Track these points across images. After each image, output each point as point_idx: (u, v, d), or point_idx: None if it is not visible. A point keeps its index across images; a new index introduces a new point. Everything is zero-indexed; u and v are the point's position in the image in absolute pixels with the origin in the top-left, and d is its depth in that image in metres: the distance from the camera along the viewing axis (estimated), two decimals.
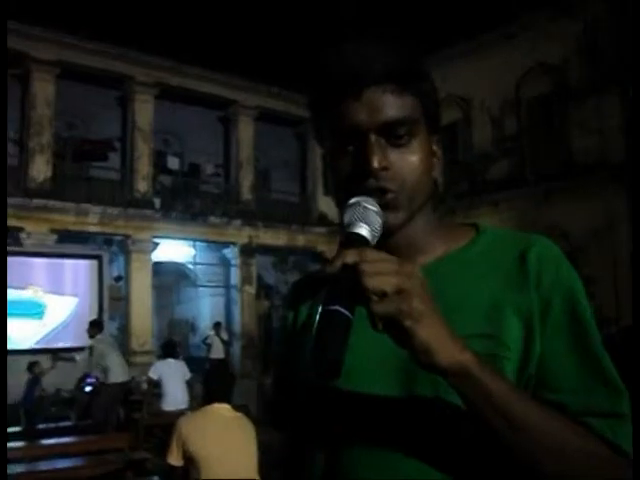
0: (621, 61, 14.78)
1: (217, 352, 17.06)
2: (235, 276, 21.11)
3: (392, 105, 1.05)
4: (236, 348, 20.08)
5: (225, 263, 21.59)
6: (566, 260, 1.09)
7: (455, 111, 18.89)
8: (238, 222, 20.49)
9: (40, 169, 17.64)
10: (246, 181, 21.57)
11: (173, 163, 20.65)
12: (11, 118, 17.82)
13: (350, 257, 0.88)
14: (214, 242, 20.75)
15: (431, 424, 1.03)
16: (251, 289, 20.93)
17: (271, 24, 16.60)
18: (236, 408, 7.03)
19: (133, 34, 16.72)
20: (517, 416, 0.93)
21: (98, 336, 11.04)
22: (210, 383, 4.73)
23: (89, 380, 11.79)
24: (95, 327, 11.19)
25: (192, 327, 20.19)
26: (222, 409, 4.61)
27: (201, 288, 21.44)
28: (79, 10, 15.64)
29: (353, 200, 1.01)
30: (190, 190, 20.48)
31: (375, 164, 1.03)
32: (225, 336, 18.18)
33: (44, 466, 6.16)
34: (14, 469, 5.98)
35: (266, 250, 21.15)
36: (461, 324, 1.00)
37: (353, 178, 1.06)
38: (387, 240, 1.06)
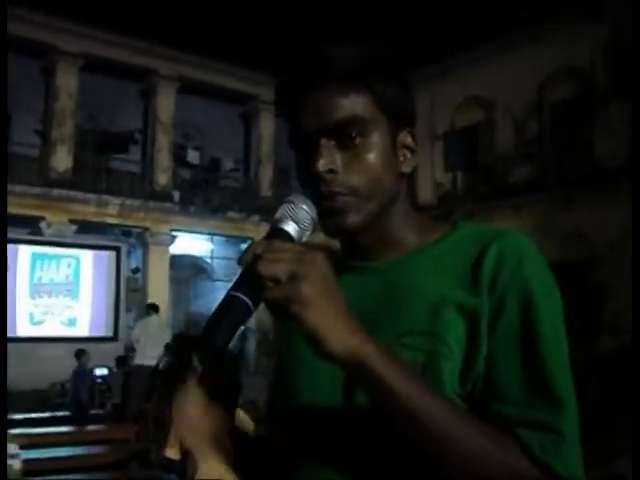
0: None
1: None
2: None
3: (340, 106, 1.04)
4: (251, 344, 20.11)
5: None
6: (535, 258, 1.03)
7: (476, 113, 18.77)
8: (256, 218, 20.51)
9: (61, 160, 17.79)
10: (266, 177, 21.61)
11: (193, 157, 20.73)
12: (35, 109, 18.02)
13: (258, 248, 0.89)
14: (232, 237, 20.79)
15: (370, 432, 1.01)
16: None
17: (294, 20, 16.56)
18: (246, 403, 7.03)
19: (157, 28, 16.79)
20: (423, 418, 0.89)
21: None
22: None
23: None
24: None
25: None
26: None
27: (218, 282, 21.50)
28: (105, 3, 15.72)
29: (287, 198, 1.00)
30: (209, 184, 20.57)
31: (320, 168, 1.02)
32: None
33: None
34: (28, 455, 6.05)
35: None
36: (406, 319, 1.01)
37: (306, 183, 1.06)
38: (354, 239, 1.09)
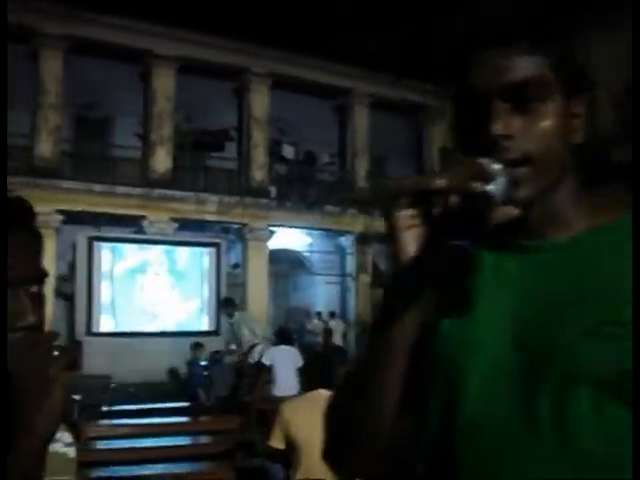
0: None
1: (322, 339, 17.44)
2: (350, 264, 21.19)
3: (519, 65, 0.97)
4: (351, 336, 20.16)
5: (341, 251, 21.71)
6: None
7: None
8: (354, 210, 20.51)
9: (161, 160, 18.31)
10: (361, 169, 21.58)
11: (288, 152, 20.91)
12: (135, 112, 18.60)
13: None
14: (330, 230, 20.89)
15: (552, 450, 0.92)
16: (366, 277, 20.93)
17: (386, 13, 16.46)
18: None
19: (248, 27, 16.98)
20: None
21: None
22: (311, 370, 4.76)
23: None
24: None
25: (308, 315, 20.42)
26: (324, 395, 4.60)
27: (317, 276, 21.63)
28: (196, 6, 16.03)
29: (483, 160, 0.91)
30: (305, 179, 20.71)
31: (496, 132, 0.94)
32: (341, 325, 18.43)
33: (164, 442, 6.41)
34: (129, 444, 6.26)
35: (382, 238, 21.04)
36: (601, 307, 0.92)
37: (474, 148, 0.95)
38: (522, 212, 0.99)
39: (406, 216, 0.91)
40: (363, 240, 20.75)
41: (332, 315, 18.43)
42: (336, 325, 18.41)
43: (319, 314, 19.87)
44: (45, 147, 17.12)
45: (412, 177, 0.91)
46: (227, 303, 11.91)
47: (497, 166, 0.90)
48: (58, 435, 1.19)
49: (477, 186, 0.86)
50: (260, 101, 19.97)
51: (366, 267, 20.96)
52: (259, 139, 19.87)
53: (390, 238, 0.94)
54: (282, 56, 19.51)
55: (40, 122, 17.14)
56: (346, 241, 21.20)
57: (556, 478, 0.90)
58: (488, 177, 0.88)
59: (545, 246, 1.01)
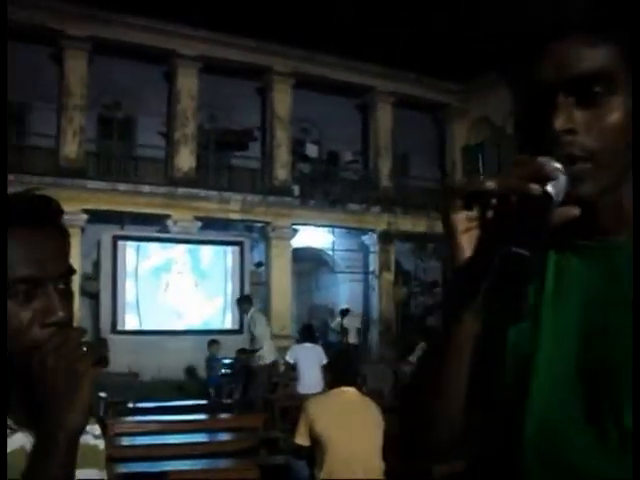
0: None
1: (340, 337, 17.50)
2: (373, 262, 21.18)
3: (584, 57, 0.92)
4: (373, 334, 20.16)
5: (364, 249, 21.70)
6: None
7: None
8: (377, 209, 20.50)
9: (185, 159, 18.43)
10: (384, 168, 21.56)
11: (312, 151, 20.95)
12: (159, 112, 18.74)
13: None
14: (353, 229, 20.90)
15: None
16: (389, 275, 20.90)
17: (405, 10, 16.40)
18: (370, 392, 7.06)
19: (269, 26, 17.02)
20: None
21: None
22: (335, 367, 4.79)
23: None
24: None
25: (331, 313, 20.44)
26: (348, 392, 4.62)
27: (340, 274, 21.64)
28: (222, 6, 16.09)
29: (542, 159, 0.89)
30: (329, 177, 20.73)
31: (559, 127, 0.91)
32: (356, 322, 18.48)
33: (182, 439, 6.47)
34: (154, 440, 6.33)
35: (405, 237, 21.02)
36: None
37: (536, 144, 0.93)
38: (584, 211, 0.92)
39: (462, 218, 0.91)
40: (386, 238, 20.73)
41: (345, 312, 18.46)
42: (349, 322, 18.47)
43: (342, 312, 19.92)
44: (70, 148, 17.29)
45: (470, 178, 0.90)
46: (244, 300, 11.94)
47: (557, 165, 0.88)
48: (88, 427, 1.21)
49: (535, 187, 0.84)
50: (283, 100, 20.02)
51: (389, 265, 20.93)
52: (282, 138, 19.92)
53: (447, 240, 0.92)
54: (305, 55, 19.55)
55: (65, 123, 17.32)
56: (369, 239, 21.19)
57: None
58: (547, 177, 0.85)
59: (609, 247, 0.98)
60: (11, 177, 15.72)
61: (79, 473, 1.16)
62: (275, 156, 19.76)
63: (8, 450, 1.09)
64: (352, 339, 17.31)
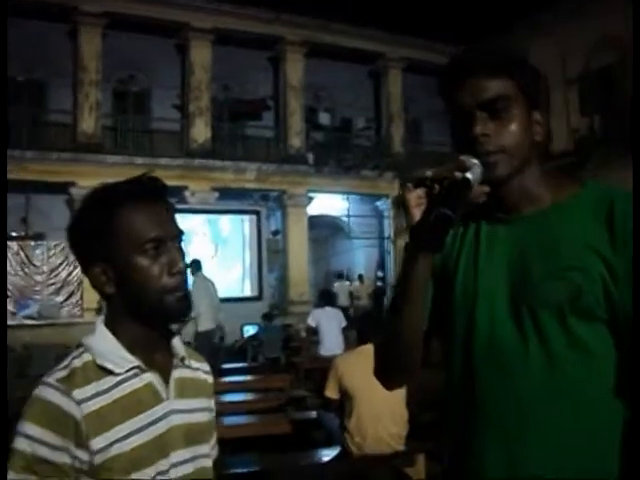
0: None
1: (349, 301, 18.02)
2: (388, 228, 21.42)
3: (488, 87, 1.38)
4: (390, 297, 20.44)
5: (378, 215, 21.93)
6: None
7: (609, 55, 17.81)
8: (390, 175, 20.68)
9: (200, 131, 18.64)
10: (397, 134, 21.70)
11: (325, 119, 21.09)
12: (173, 85, 18.91)
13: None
14: (367, 195, 21.10)
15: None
16: (404, 240, 21.07)
17: None
18: None
19: None
20: None
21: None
22: (360, 327, 5.13)
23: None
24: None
25: (348, 278, 20.74)
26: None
27: (355, 240, 21.89)
28: None
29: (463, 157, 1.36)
30: (342, 144, 20.86)
31: (477, 132, 1.37)
32: (364, 288, 19.18)
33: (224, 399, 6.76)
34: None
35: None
36: (559, 258, 1.34)
37: (466, 144, 1.38)
38: (498, 190, 1.42)
39: (414, 196, 1.35)
40: (399, 203, 20.86)
41: (359, 278, 19.08)
42: (359, 288, 19.12)
43: (360, 277, 20.42)
44: (87, 123, 17.52)
45: (419, 169, 1.35)
46: (192, 264, 10.40)
47: (475, 160, 1.33)
48: (198, 364, 1.59)
49: (459, 174, 1.30)
50: (295, 69, 20.15)
51: (403, 230, 21.11)
52: (295, 107, 20.09)
53: (404, 211, 1.36)
54: (316, 23, 19.64)
55: (81, 99, 17.55)
56: (383, 205, 21.42)
57: (542, 373, 1.33)
58: (467, 168, 1.31)
59: (519, 218, 1.42)
60: (30, 154, 16.11)
61: (194, 402, 1.49)
62: (289, 125, 19.95)
63: (139, 385, 1.38)
64: (346, 303, 17.93)
